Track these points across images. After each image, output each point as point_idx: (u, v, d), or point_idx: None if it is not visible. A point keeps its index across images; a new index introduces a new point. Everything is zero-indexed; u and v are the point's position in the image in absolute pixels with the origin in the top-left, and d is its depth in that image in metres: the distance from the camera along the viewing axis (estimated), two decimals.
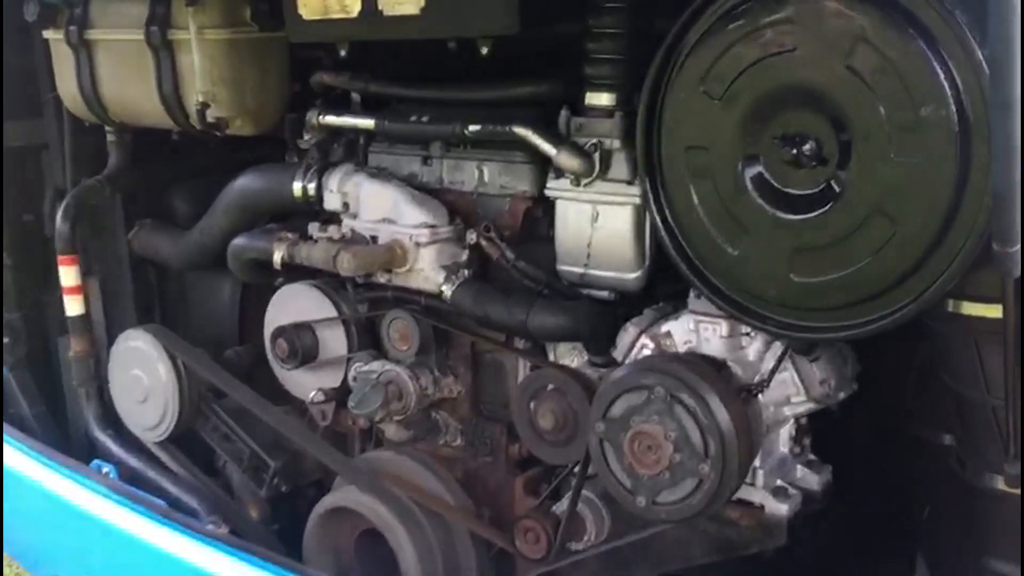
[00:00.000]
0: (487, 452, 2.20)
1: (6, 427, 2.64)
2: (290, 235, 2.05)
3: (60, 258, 2.52)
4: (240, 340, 2.66)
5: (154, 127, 2.41)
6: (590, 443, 1.77)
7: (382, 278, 2.08)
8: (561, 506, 1.99)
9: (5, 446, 2.60)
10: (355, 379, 2.19)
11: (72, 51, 2.41)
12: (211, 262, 2.46)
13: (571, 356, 2.04)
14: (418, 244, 1.99)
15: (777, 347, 1.74)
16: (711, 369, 1.72)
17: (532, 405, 1.98)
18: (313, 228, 2.02)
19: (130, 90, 2.37)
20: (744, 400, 1.76)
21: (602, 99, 1.81)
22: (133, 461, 2.49)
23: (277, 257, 2.04)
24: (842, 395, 1.82)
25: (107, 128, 2.57)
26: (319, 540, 2.17)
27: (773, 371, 1.76)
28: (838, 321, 1.48)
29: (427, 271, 2.02)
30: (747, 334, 1.76)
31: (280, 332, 2.30)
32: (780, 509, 1.79)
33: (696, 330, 1.79)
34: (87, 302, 2.73)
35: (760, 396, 1.78)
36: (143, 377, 2.42)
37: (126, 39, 2.31)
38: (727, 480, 1.65)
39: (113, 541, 2.28)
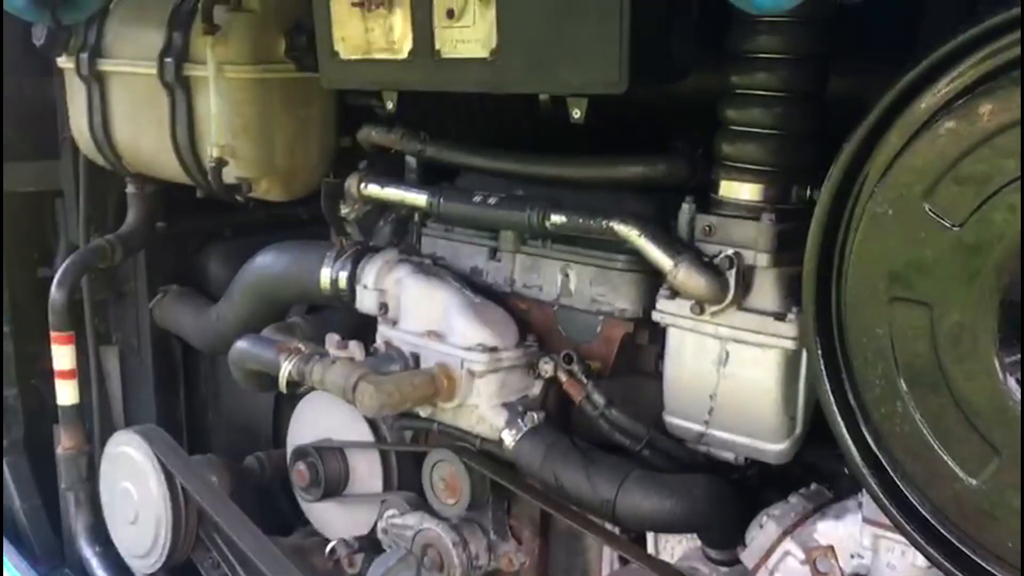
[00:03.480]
0: None
1: None
2: (301, 347, 1.51)
3: (53, 335, 2.06)
4: (275, 441, 2.17)
5: (171, 182, 1.95)
6: None
7: (424, 411, 1.53)
8: None
9: None
10: (385, 531, 1.67)
11: (84, 83, 1.97)
12: None
13: (678, 540, 1.46)
14: (472, 373, 1.44)
15: None
16: None
17: None
18: (331, 342, 1.47)
19: (145, 136, 1.92)
20: None
21: (743, 191, 1.26)
22: None
23: (283, 376, 1.51)
24: None
25: (126, 178, 2.12)
26: None
27: None
28: None
29: (483, 409, 1.46)
30: None
31: (301, 453, 1.81)
32: None
33: (874, 548, 1.19)
34: (99, 381, 2.31)
35: None
36: (133, 492, 1.93)
37: (141, 72, 1.86)
38: None
39: None
